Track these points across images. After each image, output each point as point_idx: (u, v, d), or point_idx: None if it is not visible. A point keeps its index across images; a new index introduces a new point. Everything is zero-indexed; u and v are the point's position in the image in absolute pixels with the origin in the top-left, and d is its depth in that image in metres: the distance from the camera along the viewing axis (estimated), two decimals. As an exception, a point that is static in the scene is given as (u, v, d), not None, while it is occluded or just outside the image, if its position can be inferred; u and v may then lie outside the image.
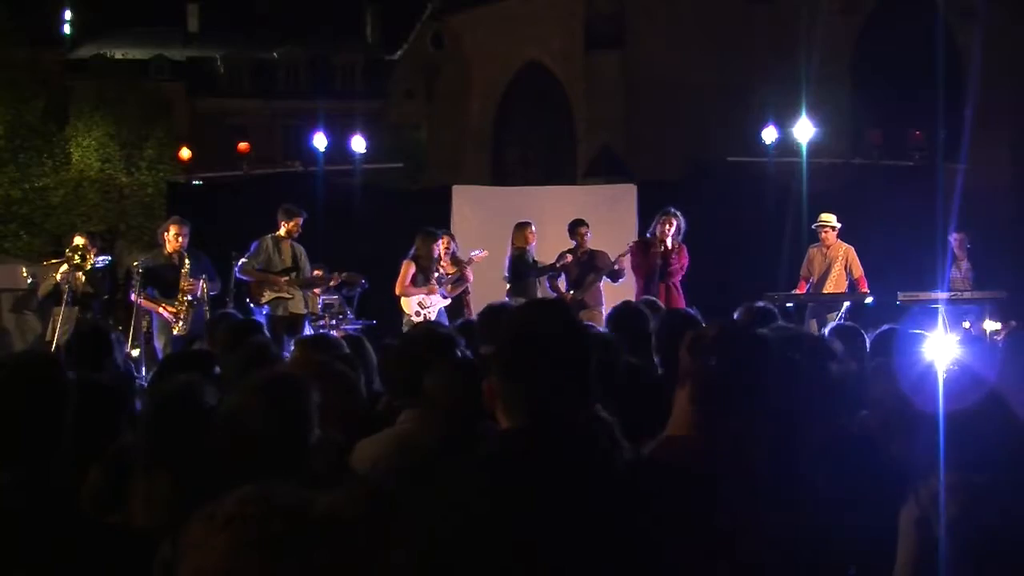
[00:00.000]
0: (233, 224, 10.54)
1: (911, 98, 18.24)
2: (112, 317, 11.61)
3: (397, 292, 9.25)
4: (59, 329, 8.89)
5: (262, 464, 2.14)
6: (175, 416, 2.40)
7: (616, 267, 9.60)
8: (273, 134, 32.67)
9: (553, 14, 26.42)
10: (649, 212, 9.50)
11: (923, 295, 9.84)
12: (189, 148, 13.27)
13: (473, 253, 9.80)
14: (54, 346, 8.65)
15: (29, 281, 10.98)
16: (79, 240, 9.61)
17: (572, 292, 9.73)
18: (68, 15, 35.83)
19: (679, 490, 2.00)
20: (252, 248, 9.13)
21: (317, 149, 12.55)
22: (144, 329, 9.14)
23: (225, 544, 1.24)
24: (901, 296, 9.74)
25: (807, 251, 10.13)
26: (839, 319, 9.03)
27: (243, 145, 12.81)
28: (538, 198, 13.29)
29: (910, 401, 2.53)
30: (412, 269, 9.22)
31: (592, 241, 10.00)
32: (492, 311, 4.66)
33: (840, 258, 9.90)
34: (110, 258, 10.93)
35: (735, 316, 4.74)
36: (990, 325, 9.32)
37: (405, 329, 8.21)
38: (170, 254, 8.76)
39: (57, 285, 9.37)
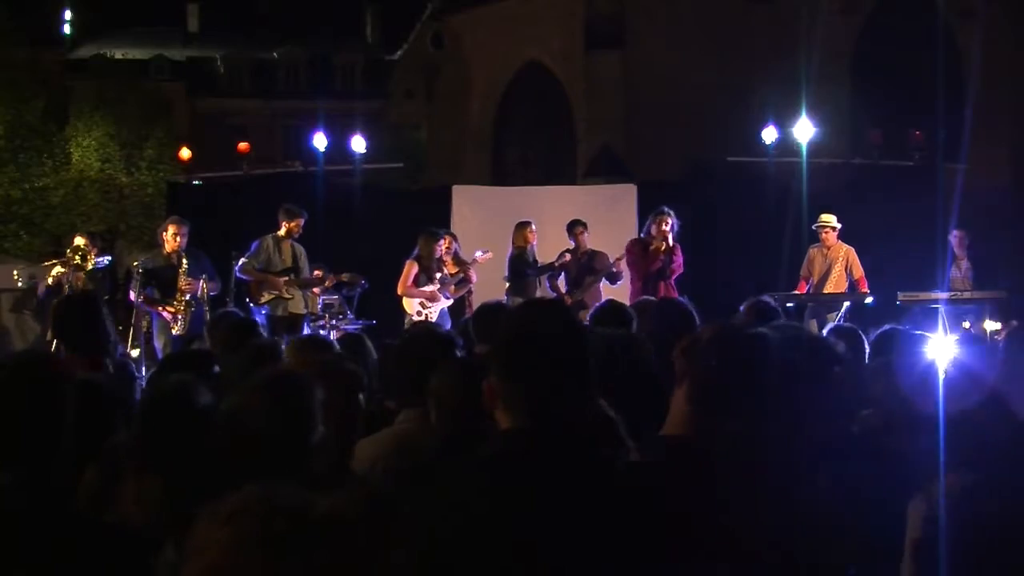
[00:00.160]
0: (233, 224, 10.54)
1: (911, 98, 18.27)
2: (112, 317, 11.58)
3: (399, 292, 9.26)
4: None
5: (264, 464, 2.14)
6: (166, 416, 2.39)
7: (615, 269, 9.61)
8: (273, 134, 32.68)
9: (553, 14, 26.40)
10: (649, 212, 9.50)
11: (923, 295, 9.84)
12: (189, 148, 13.30)
13: (477, 254, 9.79)
14: (54, 346, 8.62)
15: (20, 283, 10.93)
16: (79, 240, 9.61)
17: (571, 293, 9.73)
18: (68, 15, 35.83)
19: (679, 490, 2.00)
20: (252, 248, 9.15)
21: (317, 149, 12.55)
22: (144, 329, 9.13)
23: (227, 539, 1.24)
24: (901, 296, 9.73)
25: (807, 251, 10.13)
26: (839, 319, 9.03)
27: (243, 145, 12.81)
28: (538, 198, 13.30)
29: (911, 401, 2.53)
30: (415, 269, 9.23)
31: (592, 241, 10.00)
32: (487, 310, 4.66)
33: (840, 259, 9.89)
34: (110, 258, 10.92)
35: (740, 310, 4.77)
36: (990, 325, 9.31)
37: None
38: (169, 254, 8.75)
39: (58, 285, 9.35)
